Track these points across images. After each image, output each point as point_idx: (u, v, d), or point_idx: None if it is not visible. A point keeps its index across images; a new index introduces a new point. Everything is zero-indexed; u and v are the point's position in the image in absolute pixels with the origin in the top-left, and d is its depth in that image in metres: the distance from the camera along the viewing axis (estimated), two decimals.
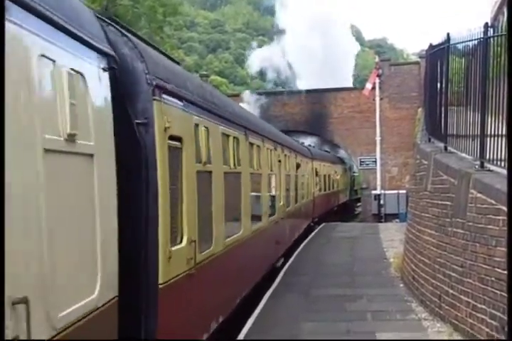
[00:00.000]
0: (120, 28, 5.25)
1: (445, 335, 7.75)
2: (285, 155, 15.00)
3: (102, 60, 4.43)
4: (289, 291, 11.03)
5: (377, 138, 29.66)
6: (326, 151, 34.03)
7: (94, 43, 4.26)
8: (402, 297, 10.20)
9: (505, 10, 22.08)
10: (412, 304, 9.61)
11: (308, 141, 31.71)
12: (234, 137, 8.60)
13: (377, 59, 31.63)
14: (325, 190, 28.65)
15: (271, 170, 12.48)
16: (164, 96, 5.38)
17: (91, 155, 4.02)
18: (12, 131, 2.95)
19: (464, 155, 8.93)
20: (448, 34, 9.90)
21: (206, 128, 6.89)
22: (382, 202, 29.36)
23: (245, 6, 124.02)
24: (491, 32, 8.14)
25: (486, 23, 8.26)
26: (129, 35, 5.33)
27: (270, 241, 12.41)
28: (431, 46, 11.40)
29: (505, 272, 6.10)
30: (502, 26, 7.86)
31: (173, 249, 5.52)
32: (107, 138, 4.36)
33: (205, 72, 40.12)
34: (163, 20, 33.90)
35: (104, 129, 4.33)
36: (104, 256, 4.13)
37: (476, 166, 7.94)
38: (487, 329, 6.70)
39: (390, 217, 28.79)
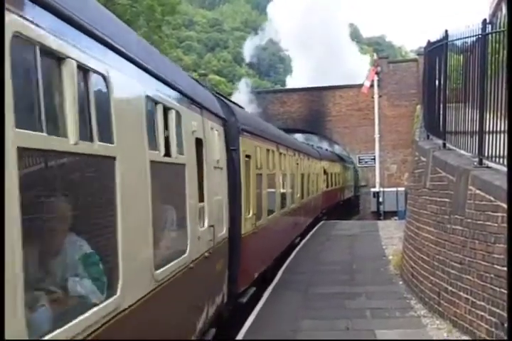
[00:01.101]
0: (222, 98, 9.88)
1: (444, 332, 7.75)
2: (301, 158, 19.14)
3: (221, 121, 8.51)
4: (288, 289, 11.04)
5: (376, 136, 29.68)
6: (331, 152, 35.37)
7: (219, 114, 8.44)
8: (401, 294, 10.20)
9: (503, 6, 22.06)
10: (411, 301, 9.61)
11: (301, 137, 32.41)
12: (272, 150, 12.86)
13: (375, 56, 31.64)
14: (332, 186, 31.62)
15: (291, 171, 16.47)
16: (244, 133, 9.59)
17: (221, 168, 8.21)
18: (210, 161, 7.21)
19: (462, 152, 8.92)
20: (446, 31, 9.88)
21: (259, 147, 11.25)
22: (381, 199, 29.38)
23: (244, 5, 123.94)
24: (489, 28, 8.13)
25: (485, 20, 8.25)
26: (226, 101, 10.01)
27: (291, 222, 16.53)
28: (429, 43, 11.38)
29: (505, 269, 6.10)
30: (500, 23, 7.85)
31: (247, 216, 9.67)
32: (224, 159, 8.46)
33: (203, 71, 40.03)
34: (162, 19, 33.77)
35: (223, 154, 8.46)
36: (225, 217, 8.25)
37: (475, 163, 7.93)
38: (486, 326, 6.70)
39: (388, 215, 28.80)
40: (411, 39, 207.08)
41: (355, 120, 31.36)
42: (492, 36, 8.07)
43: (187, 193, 5.94)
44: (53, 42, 3.02)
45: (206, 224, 6.89)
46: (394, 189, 29.07)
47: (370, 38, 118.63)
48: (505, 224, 6.13)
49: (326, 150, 33.90)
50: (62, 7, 3.18)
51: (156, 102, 4.93)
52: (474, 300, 7.08)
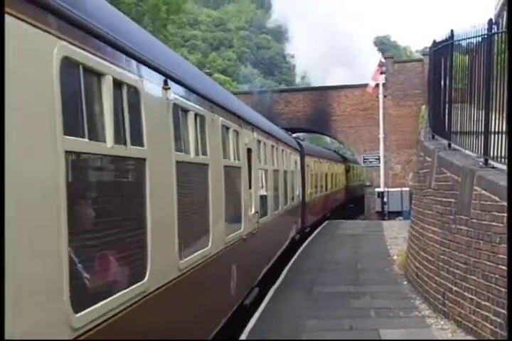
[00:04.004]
0: (295, 138, 21.55)
1: (449, 332, 7.74)
2: (330, 163, 29.34)
3: (298, 151, 18.76)
4: (292, 288, 11.04)
5: (381, 136, 29.60)
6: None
7: (297, 148, 18.74)
8: (405, 294, 10.20)
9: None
10: (415, 301, 9.60)
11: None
12: (316, 161, 23.43)
13: (380, 56, 31.55)
14: (352, 183, 41.50)
15: (325, 172, 27.03)
16: (306, 155, 20.53)
17: (299, 173, 18.79)
18: (297, 170, 18.35)
19: (467, 152, 8.91)
20: (452, 31, 9.87)
21: (311, 160, 22.20)
22: (385, 199, 29.33)
23: (248, 4, 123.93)
24: (494, 28, 8.12)
25: (490, 20, 8.23)
26: (297, 139, 21.25)
27: (325, 201, 27.34)
28: (434, 43, 11.36)
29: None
30: (506, 23, 7.83)
31: (308, 192, 20.81)
32: (300, 169, 18.79)
33: (208, 70, 39.94)
34: (167, 18, 33.83)
35: (300, 167, 18.83)
36: (300, 192, 18.87)
37: (480, 163, 7.93)
38: (491, 326, 6.70)
39: (393, 215, 28.75)
40: (416, 39, 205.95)
41: (359, 120, 31.30)
42: (498, 36, 8.06)
43: (295, 182, 16.66)
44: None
45: (298, 192, 17.51)
46: (398, 189, 29.01)
47: (375, 38, 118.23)
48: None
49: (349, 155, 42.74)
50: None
51: (290, 153, 16.04)
52: (479, 300, 7.08)
